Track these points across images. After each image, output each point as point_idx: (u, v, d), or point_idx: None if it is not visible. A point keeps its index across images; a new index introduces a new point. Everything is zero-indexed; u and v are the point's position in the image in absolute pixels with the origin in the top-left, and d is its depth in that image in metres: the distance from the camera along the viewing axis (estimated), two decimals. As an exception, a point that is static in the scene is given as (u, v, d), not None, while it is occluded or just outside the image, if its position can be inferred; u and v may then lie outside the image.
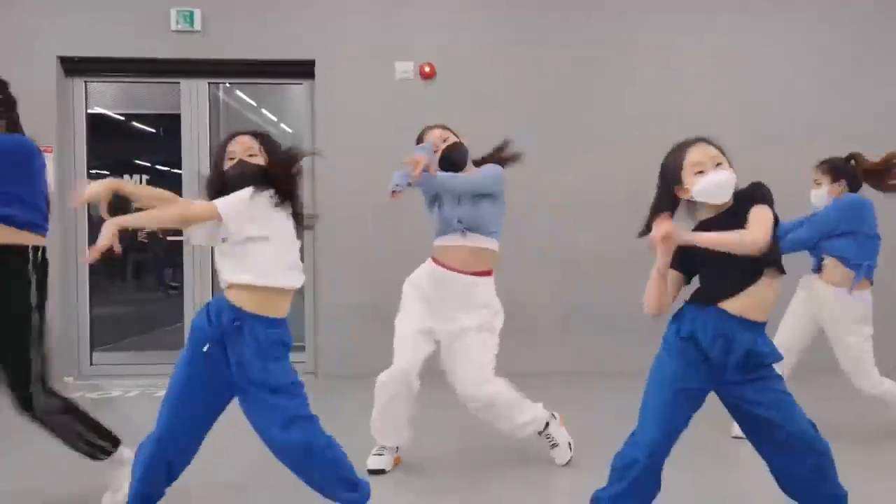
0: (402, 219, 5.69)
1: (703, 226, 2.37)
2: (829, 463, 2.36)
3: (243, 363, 2.44)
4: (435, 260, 3.48)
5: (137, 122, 9.39)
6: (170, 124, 9.01)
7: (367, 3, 6.02)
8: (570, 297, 5.91)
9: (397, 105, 5.90)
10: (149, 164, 10.63)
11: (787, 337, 3.92)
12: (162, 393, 2.60)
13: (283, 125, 8.13)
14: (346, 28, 5.99)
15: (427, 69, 6.00)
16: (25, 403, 2.89)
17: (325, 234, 5.91)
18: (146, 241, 5.05)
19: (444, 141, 3.47)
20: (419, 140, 3.52)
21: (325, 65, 5.99)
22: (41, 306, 2.95)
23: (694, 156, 2.36)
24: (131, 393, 5.28)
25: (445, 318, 3.40)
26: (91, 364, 5.87)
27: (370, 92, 5.95)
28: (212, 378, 2.48)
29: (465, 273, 3.41)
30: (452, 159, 3.45)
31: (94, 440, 3.02)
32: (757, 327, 2.32)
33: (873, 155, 3.97)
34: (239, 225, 2.42)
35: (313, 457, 2.49)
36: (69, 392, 5.21)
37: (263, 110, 7.77)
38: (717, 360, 2.29)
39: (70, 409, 2.99)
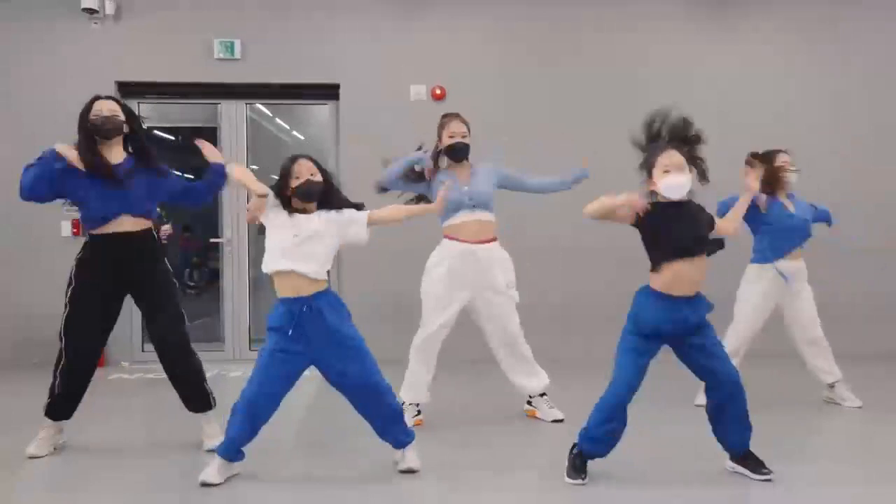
0: (416, 223, 6.44)
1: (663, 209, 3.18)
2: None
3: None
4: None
5: (161, 131, 10.08)
6: (189, 134, 9.62)
7: (385, 32, 6.78)
8: (573, 288, 6.63)
9: (411, 124, 6.63)
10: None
11: (754, 328, 4.71)
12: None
13: (294, 132, 8.93)
14: (366, 55, 6.75)
15: (438, 91, 6.75)
16: (184, 342, 3.81)
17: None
18: (166, 241, 5.70)
19: (463, 137, 4.39)
20: (441, 129, 4.45)
21: (348, 88, 6.77)
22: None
23: (664, 158, 3.14)
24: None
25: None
26: (142, 351, 6.67)
27: (387, 112, 6.67)
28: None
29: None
30: (458, 153, 4.39)
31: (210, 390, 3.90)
32: None
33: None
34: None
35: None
36: (126, 374, 6.07)
37: (278, 119, 8.54)
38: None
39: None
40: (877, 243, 6.68)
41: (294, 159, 3.33)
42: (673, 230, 3.15)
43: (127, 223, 3.75)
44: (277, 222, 3.29)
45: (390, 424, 3.42)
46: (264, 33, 6.70)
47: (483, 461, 3.70)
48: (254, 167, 7.01)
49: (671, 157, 3.14)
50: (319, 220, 3.33)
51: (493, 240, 4.41)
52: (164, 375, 3.85)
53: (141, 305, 3.86)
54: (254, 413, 3.29)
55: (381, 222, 3.48)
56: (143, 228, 3.81)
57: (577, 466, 3.28)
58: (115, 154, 3.78)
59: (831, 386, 4.80)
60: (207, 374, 3.94)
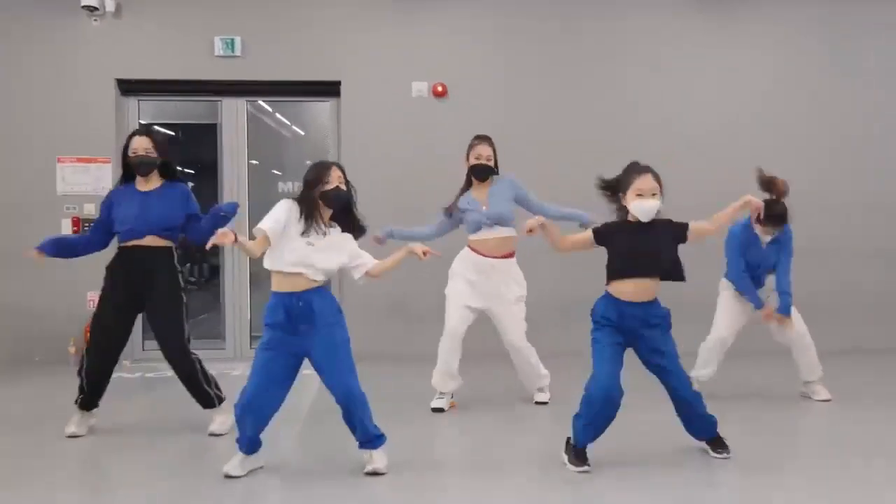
0: (418, 222, 6.44)
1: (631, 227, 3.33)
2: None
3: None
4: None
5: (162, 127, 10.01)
6: (186, 130, 9.57)
7: (386, 29, 6.77)
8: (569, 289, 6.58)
9: (413, 120, 6.66)
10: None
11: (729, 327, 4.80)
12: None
13: (294, 127, 8.89)
14: (367, 52, 6.74)
15: (439, 88, 6.74)
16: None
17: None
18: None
19: (488, 159, 4.64)
20: (469, 150, 4.69)
21: (349, 85, 6.75)
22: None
23: (639, 183, 3.24)
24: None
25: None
26: (143, 350, 6.66)
27: (389, 109, 6.69)
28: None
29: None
30: (480, 174, 4.65)
31: (215, 390, 4.07)
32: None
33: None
34: None
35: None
36: (127, 373, 6.03)
37: (278, 115, 8.50)
38: None
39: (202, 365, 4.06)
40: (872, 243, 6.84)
41: (329, 165, 3.45)
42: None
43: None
44: (294, 230, 3.36)
45: (359, 425, 3.43)
46: (265, 30, 6.69)
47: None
48: (253, 161, 7.01)
49: (646, 181, 3.26)
50: (336, 239, 3.45)
51: (512, 254, 4.67)
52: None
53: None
54: (257, 408, 3.34)
55: (374, 276, 3.54)
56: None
57: None
58: (152, 182, 4.15)
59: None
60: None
